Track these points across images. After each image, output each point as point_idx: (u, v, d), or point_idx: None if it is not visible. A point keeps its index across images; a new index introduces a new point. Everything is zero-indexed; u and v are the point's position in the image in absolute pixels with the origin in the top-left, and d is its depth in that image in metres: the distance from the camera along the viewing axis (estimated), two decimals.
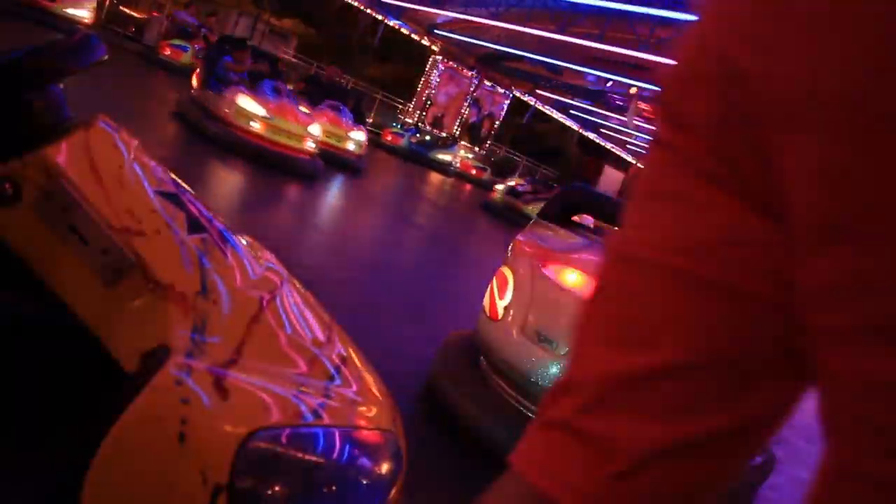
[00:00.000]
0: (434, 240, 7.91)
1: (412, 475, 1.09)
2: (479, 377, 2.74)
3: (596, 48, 13.64)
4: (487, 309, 2.82)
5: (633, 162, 29.90)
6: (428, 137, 18.53)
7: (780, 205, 0.27)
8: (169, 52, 13.53)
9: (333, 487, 0.82)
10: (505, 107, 23.85)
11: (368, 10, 19.50)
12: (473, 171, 18.99)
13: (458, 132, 21.81)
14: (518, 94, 23.71)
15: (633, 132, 23.43)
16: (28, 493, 0.81)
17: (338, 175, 8.68)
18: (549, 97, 23.02)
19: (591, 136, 28.01)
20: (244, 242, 1.05)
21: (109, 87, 7.56)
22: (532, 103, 24.38)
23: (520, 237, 2.86)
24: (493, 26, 16.07)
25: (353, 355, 1.08)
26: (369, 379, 1.06)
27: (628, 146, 28.01)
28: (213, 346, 0.79)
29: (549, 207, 2.98)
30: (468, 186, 17.96)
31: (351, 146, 9.24)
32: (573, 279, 2.56)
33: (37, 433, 0.90)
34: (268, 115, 6.77)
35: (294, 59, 23.55)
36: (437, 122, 21.48)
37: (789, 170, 0.26)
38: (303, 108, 7.94)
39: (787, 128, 0.26)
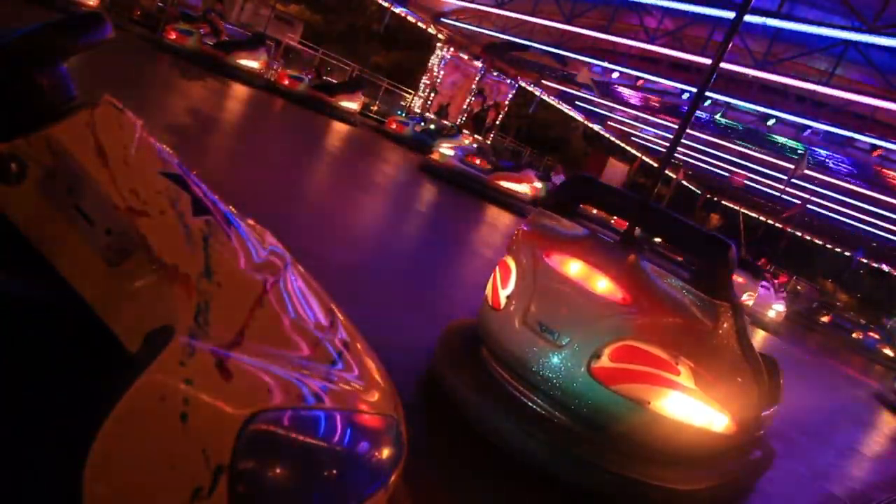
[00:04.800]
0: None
1: (412, 461, 1.09)
2: (480, 366, 2.75)
3: (603, 39, 13.57)
4: (490, 298, 2.83)
5: (638, 155, 29.79)
6: (433, 126, 18.49)
7: None
8: (174, 37, 13.50)
9: (334, 470, 0.82)
10: (510, 97, 23.75)
11: None
12: (477, 161, 19.12)
13: (462, 121, 21.74)
14: (524, 84, 23.59)
15: (638, 125, 23.32)
16: (30, 472, 0.82)
17: None
18: (555, 88, 22.90)
19: (597, 127, 27.88)
20: (248, 225, 1.04)
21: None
22: (537, 94, 24.25)
23: (523, 227, 2.86)
24: (500, 15, 15.96)
25: (356, 340, 1.09)
26: (371, 364, 1.06)
27: (633, 139, 27.89)
28: (216, 327, 0.79)
29: (553, 197, 2.97)
30: None
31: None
32: (576, 269, 2.56)
33: (39, 412, 0.90)
34: None
35: (299, 46, 23.47)
36: (442, 111, 21.39)
37: None
38: None
39: None
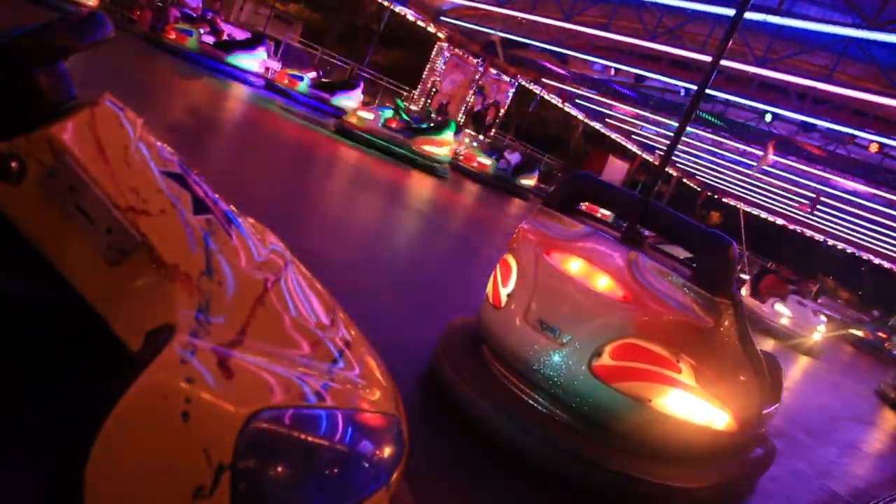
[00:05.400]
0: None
1: (413, 460, 1.09)
2: (481, 364, 2.75)
3: (603, 37, 13.56)
4: (490, 297, 2.82)
5: (638, 152, 29.76)
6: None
7: None
8: (174, 37, 13.50)
9: (336, 469, 0.82)
10: (510, 95, 23.73)
11: None
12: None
13: (462, 120, 21.72)
14: (524, 83, 23.56)
15: (639, 122, 23.31)
16: (32, 471, 0.82)
17: None
18: (555, 86, 22.88)
19: (597, 125, 27.85)
20: (249, 224, 1.04)
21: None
22: (537, 92, 24.22)
23: (524, 225, 2.86)
24: (500, 14, 15.95)
25: (357, 339, 1.09)
26: (372, 363, 1.06)
27: (633, 136, 27.87)
28: (217, 326, 0.78)
29: (553, 195, 2.97)
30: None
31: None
32: (577, 267, 2.55)
33: (40, 411, 0.90)
34: None
35: (299, 45, 23.46)
36: (442, 110, 21.37)
37: None
38: None
39: None
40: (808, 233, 30.43)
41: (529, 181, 18.00)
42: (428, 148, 12.80)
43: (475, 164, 16.71)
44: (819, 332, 11.32)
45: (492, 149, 17.62)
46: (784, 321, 11.42)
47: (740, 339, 2.50)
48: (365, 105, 13.83)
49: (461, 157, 16.87)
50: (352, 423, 0.87)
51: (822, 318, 11.89)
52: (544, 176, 21.84)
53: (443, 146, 13.12)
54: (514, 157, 17.74)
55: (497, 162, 16.94)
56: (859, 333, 19.78)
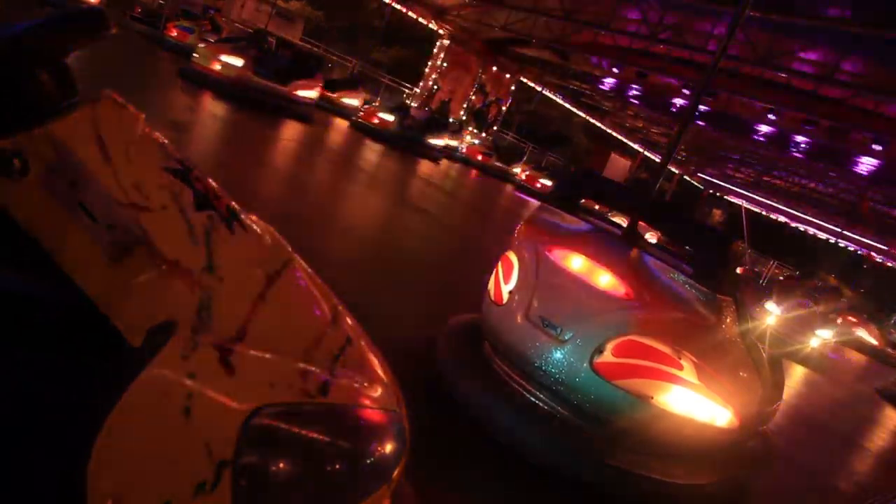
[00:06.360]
0: None
1: (414, 456, 1.09)
2: (483, 361, 2.75)
3: (605, 34, 13.54)
4: (492, 293, 2.83)
5: (640, 150, 29.75)
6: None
7: None
8: (175, 34, 13.53)
9: (337, 465, 0.82)
10: (511, 92, 23.71)
11: None
12: (479, 157, 19.31)
13: (464, 117, 21.71)
14: (525, 80, 23.55)
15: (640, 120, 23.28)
16: (31, 469, 0.82)
17: None
18: (557, 84, 22.87)
19: (598, 123, 27.83)
20: (251, 220, 1.04)
21: None
22: (539, 90, 24.21)
23: (526, 222, 2.86)
24: (502, 11, 15.94)
25: (358, 335, 1.08)
26: (373, 359, 1.06)
27: (636, 134, 27.84)
28: (218, 322, 0.78)
29: (555, 192, 2.97)
30: (473, 171, 18.12)
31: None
32: (578, 264, 2.55)
33: (40, 410, 0.90)
34: None
35: (300, 43, 23.44)
36: (444, 107, 21.37)
37: None
38: None
39: None
40: (811, 231, 30.40)
41: (439, 141, 17.14)
42: (303, 93, 12.51)
43: (376, 121, 15.57)
44: (818, 339, 9.75)
45: (397, 107, 16.57)
46: (770, 320, 9.65)
47: (742, 337, 2.50)
48: (223, 46, 11.49)
49: (361, 114, 15.98)
50: (353, 419, 0.87)
51: (831, 324, 10.58)
52: (547, 174, 21.77)
53: (314, 88, 12.98)
54: (421, 116, 16.83)
55: (402, 120, 15.95)
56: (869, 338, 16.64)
